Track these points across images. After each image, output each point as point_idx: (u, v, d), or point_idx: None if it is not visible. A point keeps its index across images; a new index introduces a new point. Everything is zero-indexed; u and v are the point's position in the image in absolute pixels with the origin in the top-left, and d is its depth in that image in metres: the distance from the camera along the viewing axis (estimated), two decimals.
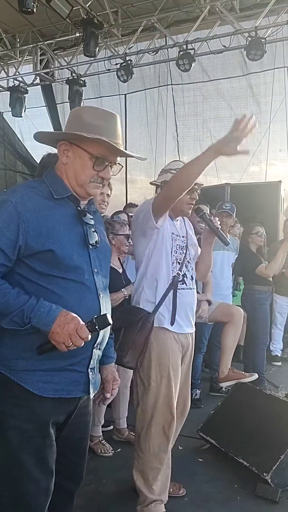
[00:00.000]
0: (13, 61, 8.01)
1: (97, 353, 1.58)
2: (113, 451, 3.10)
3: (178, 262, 2.36)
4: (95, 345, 1.55)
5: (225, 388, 4.08)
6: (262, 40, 5.89)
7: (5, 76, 8.11)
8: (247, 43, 5.97)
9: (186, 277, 2.38)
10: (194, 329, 2.49)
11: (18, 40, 7.74)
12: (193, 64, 6.28)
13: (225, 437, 3.01)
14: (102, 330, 1.51)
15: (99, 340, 1.56)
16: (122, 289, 3.08)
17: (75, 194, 1.56)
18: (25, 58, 7.82)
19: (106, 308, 1.59)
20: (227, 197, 5.95)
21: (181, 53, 6.32)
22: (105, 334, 1.60)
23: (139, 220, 2.33)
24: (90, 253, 1.55)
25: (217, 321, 3.63)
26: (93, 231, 1.57)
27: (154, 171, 7.98)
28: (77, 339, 1.40)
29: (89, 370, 1.56)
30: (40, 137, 1.66)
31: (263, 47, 5.89)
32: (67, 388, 1.52)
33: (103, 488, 2.72)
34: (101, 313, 1.53)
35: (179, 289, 2.33)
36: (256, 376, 3.27)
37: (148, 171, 8.17)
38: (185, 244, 2.43)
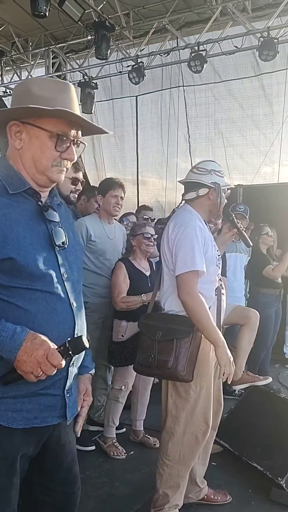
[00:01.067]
0: (25, 64, 8.08)
1: (73, 371, 1.37)
2: (125, 454, 3.09)
3: (217, 266, 2.31)
4: (71, 363, 1.34)
5: (238, 391, 4.06)
6: (275, 41, 5.84)
7: (18, 79, 8.17)
8: (260, 43, 5.92)
9: (222, 281, 2.36)
10: None
11: (30, 43, 7.80)
12: (205, 66, 6.26)
13: (238, 441, 2.99)
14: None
15: (75, 356, 1.32)
16: (142, 294, 3.00)
17: (35, 186, 1.32)
18: (37, 62, 7.89)
19: (80, 319, 1.36)
20: (239, 198, 5.92)
21: (192, 54, 6.30)
22: None
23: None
24: (58, 255, 1.33)
25: (233, 324, 3.61)
26: (59, 229, 1.34)
27: (165, 173, 7.98)
28: (48, 367, 1.19)
29: (65, 392, 1.35)
30: None
31: (276, 47, 5.84)
32: (40, 416, 1.30)
33: (116, 491, 2.73)
34: (76, 327, 1.33)
35: (222, 294, 2.30)
36: (270, 379, 3.24)
37: (159, 173, 8.17)
38: (218, 251, 2.37)
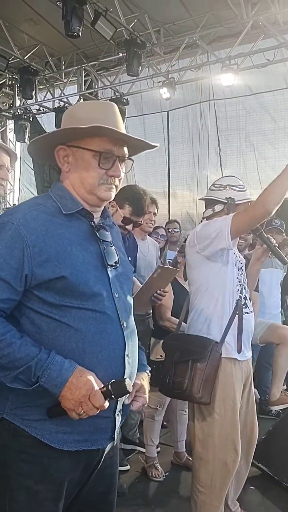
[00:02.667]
0: (58, 82, 8.28)
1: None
2: (164, 477, 3.03)
3: (240, 284, 2.24)
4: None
5: (275, 411, 3.94)
6: None
7: (51, 97, 8.37)
8: None
9: (247, 300, 2.26)
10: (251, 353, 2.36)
11: (63, 62, 7.99)
12: (236, 79, 6.24)
13: (277, 464, 2.89)
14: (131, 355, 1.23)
15: (127, 373, 1.30)
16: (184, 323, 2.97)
17: (87, 207, 1.34)
18: (70, 79, 8.07)
19: (131, 341, 1.33)
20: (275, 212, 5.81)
21: (223, 68, 6.30)
22: (133, 365, 1.35)
23: (208, 240, 2.16)
24: (110, 275, 1.32)
25: (268, 343, 3.52)
26: (112, 249, 1.35)
27: (196, 186, 7.98)
28: (89, 408, 1.17)
29: (116, 414, 1.31)
30: (34, 150, 1.41)
31: None
32: (91, 438, 1.28)
33: None
34: (126, 348, 1.29)
35: (244, 313, 2.20)
36: None
37: (190, 186, 8.17)
38: (242, 265, 2.32)
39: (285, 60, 6.14)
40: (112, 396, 1.19)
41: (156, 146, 1.44)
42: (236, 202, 2.28)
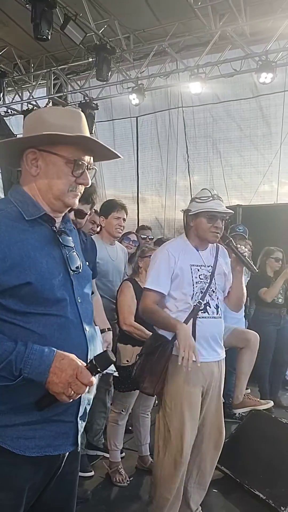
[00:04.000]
0: (27, 85, 8.18)
1: (86, 397, 1.34)
2: (128, 481, 3.03)
3: (201, 291, 2.36)
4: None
5: (239, 414, 4.00)
6: (273, 64, 5.95)
7: (19, 99, 8.27)
8: (258, 66, 6.03)
9: (209, 306, 2.36)
10: (220, 358, 2.46)
11: (32, 65, 7.90)
12: (204, 88, 6.35)
13: (240, 467, 2.94)
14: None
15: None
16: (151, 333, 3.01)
17: (50, 212, 1.34)
18: (39, 83, 7.99)
19: (93, 345, 1.35)
20: (239, 218, 5.94)
21: (192, 77, 6.40)
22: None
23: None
24: (72, 280, 1.33)
25: (232, 347, 3.57)
26: (74, 254, 1.36)
27: (164, 191, 8.07)
28: (78, 386, 1.18)
29: (78, 419, 1.32)
30: (3, 152, 1.38)
31: (274, 70, 5.95)
32: (53, 443, 1.27)
33: None
34: (88, 352, 1.31)
35: (199, 317, 2.32)
36: (271, 403, 3.21)
37: (159, 191, 8.25)
38: (210, 273, 2.41)
39: (252, 70, 6.29)
40: (98, 369, 1.22)
41: (121, 157, 1.45)
42: (190, 214, 2.42)
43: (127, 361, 3.00)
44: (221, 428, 2.49)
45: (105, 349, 1.34)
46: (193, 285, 2.35)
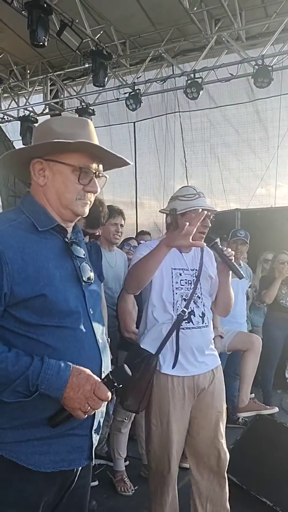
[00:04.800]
0: (23, 91, 8.18)
1: (100, 410, 1.30)
2: (133, 491, 2.99)
3: (183, 298, 2.17)
4: None
5: (242, 419, 3.98)
6: (269, 68, 5.97)
7: (16, 106, 8.27)
8: (254, 71, 6.05)
9: (194, 315, 2.18)
10: (210, 368, 2.23)
11: (28, 71, 7.92)
12: (201, 92, 6.36)
13: (246, 474, 2.91)
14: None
15: None
16: None
17: (61, 222, 1.33)
18: (35, 89, 7.99)
19: (106, 356, 1.35)
20: (237, 222, 5.94)
21: (188, 81, 6.42)
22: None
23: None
24: (84, 291, 1.32)
25: (236, 350, 3.56)
26: (86, 265, 1.35)
27: (163, 196, 8.06)
28: (95, 402, 1.17)
29: (92, 432, 1.30)
30: (5, 162, 1.37)
31: (270, 74, 5.97)
32: (68, 458, 1.25)
33: None
34: (102, 364, 1.29)
35: (183, 328, 2.14)
36: (276, 409, 3.19)
37: (157, 196, 8.25)
38: (195, 278, 2.24)
39: (248, 75, 6.31)
40: (115, 384, 1.20)
41: (130, 163, 1.44)
42: (177, 212, 2.25)
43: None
44: (219, 445, 2.24)
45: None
46: (173, 291, 2.17)
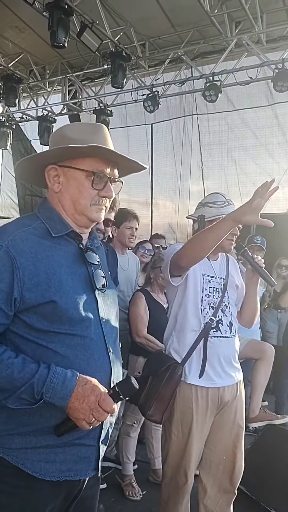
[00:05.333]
0: (42, 91, 8.23)
1: (109, 420, 1.29)
2: (141, 495, 2.98)
3: (211, 306, 2.15)
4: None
5: (253, 427, 3.93)
6: None
7: (34, 105, 8.32)
8: (274, 74, 5.98)
9: (222, 324, 2.15)
10: (235, 381, 2.20)
11: (47, 71, 7.95)
12: (219, 95, 6.32)
13: (256, 484, 2.88)
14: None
15: None
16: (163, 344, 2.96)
17: (76, 228, 1.32)
18: (54, 89, 8.03)
19: (117, 367, 1.32)
20: (253, 227, 5.88)
21: (207, 84, 6.38)
22: None
23: (163, 265, 2.18)
24: (97, 298, 1.30)
25: (247, 358, 3.52)
26: (100, 272, 1.33)
27: (178, 197, 8.05)
28: (100, 413, 1.15)
29: (100, 442, 1.29)
30: (21, 170, 1.37)
31: None
32: (74, 468, 1.23)
33: None
34: (112, 375, 1.28)
35: (211, 337, 2.11)
36: None
37: (172, 197, 8.23)
38: (223, 286, 2.21)
39: (267, 78, 6.24)
40: (121, 396, 1.18)
41: (146, 167, 1.42)
42: (206, 219, 2.23)
43: (139, 373, 2.97)
44: (238, 455, 2.20)
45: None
46: (202, 297, 2.13)
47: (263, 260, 2.21)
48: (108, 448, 3.36)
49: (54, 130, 8.16)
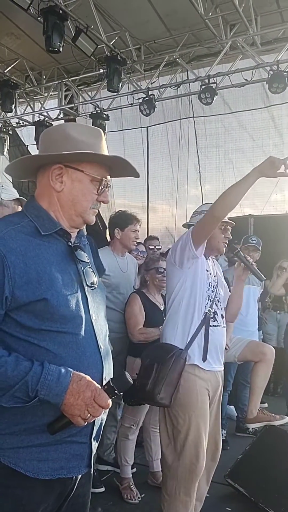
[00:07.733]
0: (39, 96, 8.26)
1: (100, 417, 1.29)
2: (139, 498, 2.96)
3: (210, 299, 2.38)
4: None
5: (252, 429, 3.92)
6: (284, 74, 5.92)
7: (31, 111, 8.34)
8: (269, 76, 6.00)
9: (217, 315, 2.38)
10: (223, 368, 2.47)
11: (44, 76, 7.98)
12: (215, 98, 6.34)
13: (254, 485, 2.86)
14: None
15: None
16: (160, 327, 2.90)
17: (66, 227, 1.33)
18: (50, 94, 8.06)
19: (108, 363, 1.33)
20: (250, 228, 5.88)
21: (203, 87, 6.40)
22: None
23: (177, 249, 2.36)
24: (88, 296, 1.31)
25: (247, 360, 3.51)
26: (89, 269, 1.35)
27: (175, 201, 8.05)
28: (95, 409, 1.16)
29: (92, 439, 1.29)
30: (22, 164, 1.37)
31: (285, 80, 5.91)
32: (67, 466, 1.24)
33: None
34: (103, 371, 1.29)
35: (210, 326, 2.33)
36: (287, 419, 3.12)
37: (169, 201, 8.24)
38: (216, 283, 2.47)
39: (263, 80, 6.26)
40: (116, 392, 1.19)
41: (138, 176, 1.44)
42: None
43: (137, 374, 2.95)
44: (218, 438, 2.49)
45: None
46: (206, 291, 2.37)
47: (251, 259, 2.66)
48: (106, 452, 3.35)
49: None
